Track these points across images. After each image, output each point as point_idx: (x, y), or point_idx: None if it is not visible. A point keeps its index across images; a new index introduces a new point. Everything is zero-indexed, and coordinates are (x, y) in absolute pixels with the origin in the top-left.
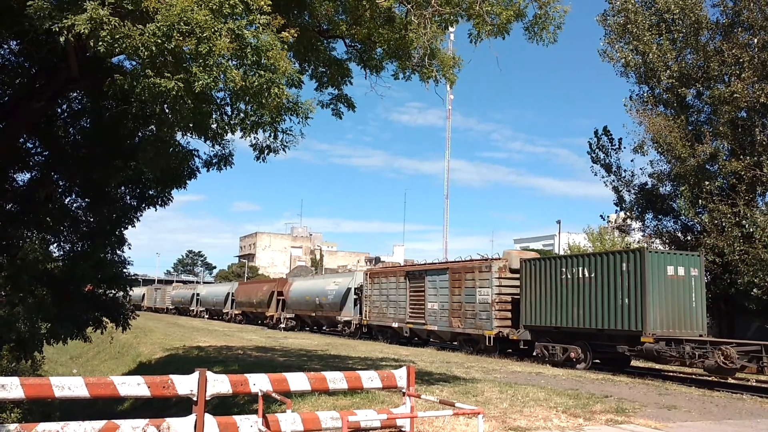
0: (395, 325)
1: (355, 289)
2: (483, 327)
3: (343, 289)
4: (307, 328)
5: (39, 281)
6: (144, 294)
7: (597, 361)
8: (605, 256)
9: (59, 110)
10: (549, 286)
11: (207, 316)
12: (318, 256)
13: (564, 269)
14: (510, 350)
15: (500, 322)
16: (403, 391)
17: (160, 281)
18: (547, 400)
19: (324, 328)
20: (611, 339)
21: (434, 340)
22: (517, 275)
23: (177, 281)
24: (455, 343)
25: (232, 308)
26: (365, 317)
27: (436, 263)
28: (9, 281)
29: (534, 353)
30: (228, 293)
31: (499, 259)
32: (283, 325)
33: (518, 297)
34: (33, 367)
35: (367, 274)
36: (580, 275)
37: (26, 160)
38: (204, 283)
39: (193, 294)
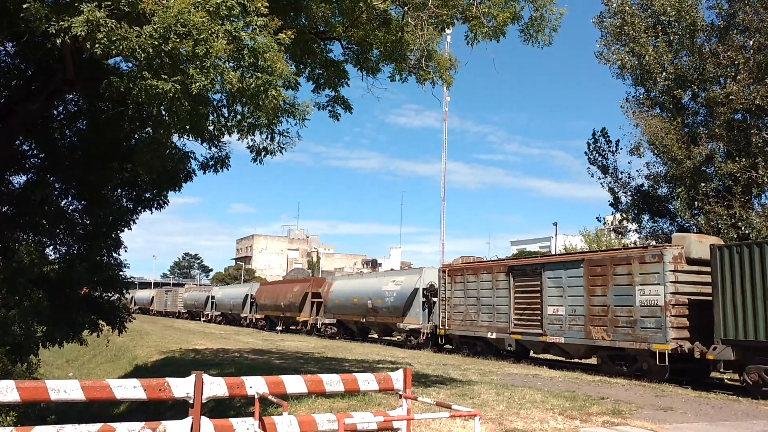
0: (491, 335)
1: (424, 289)
2: (649, 339)
3: (407, 289)
4: (348, 335)
5: (35, 284)
6: (153, 297)
7: None
8: None
9: (55, 112)
10: None
11: (222, 321)
12: (315, 259)
13: None
14: (682, 375)
15: (677, 332)
16: (400, 393)
17: (165, 283)
18: (543, 402)
19: (373, 335)
20: None
21: (556, 356)
22: (700, 268)
23: (205, 282)
24: (594, 360)
25: (252, 312)
26: (442, 325)
27: (562, 254)
28: (4, 284)
29: (744, 380)
30: (247, 295)
31: (672, 246)
32: (318, 332)
33: (701, 299)
34: (29, 371)
35: (445, 272)
36: None
37: (22, 163)
38: (218, 284)
39: (208, 296)
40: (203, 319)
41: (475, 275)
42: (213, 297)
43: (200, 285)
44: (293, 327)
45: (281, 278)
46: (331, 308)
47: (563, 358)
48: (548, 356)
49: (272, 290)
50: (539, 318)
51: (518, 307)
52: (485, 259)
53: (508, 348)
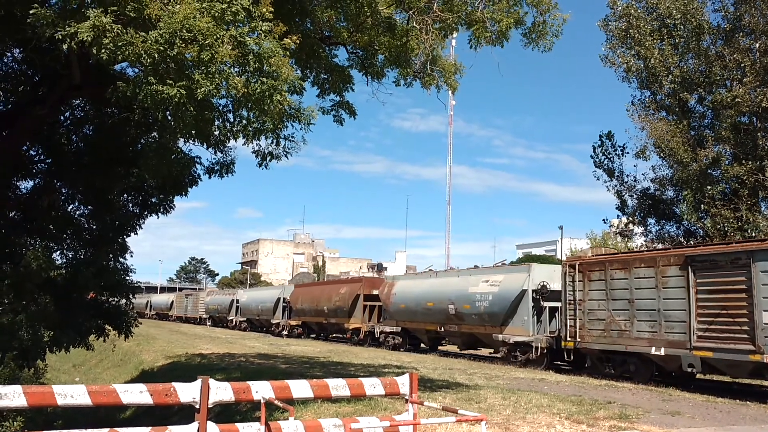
0: (656, 351)
1: (533, 291)
2: None
3: (509, 291)
4: (413, 346)
5: (42, 289)
6: (172, 301)
7: None
8: None
9: (62, 118)
10: None
11: (248, 328)
12: (320, 263)
13: None
14: None
15: None
16: (406, 398)
17: (172, 288)
18: (550, 406)
19: (441, 344)
20: None
21: None
22: None
23: (211, 287)
24: None
25: (285, 317)
26: (570, 336)
27: None
28: (12, 289)
29: None
30: (279, 299)
31: None
32: (376, 341)
33: None
34: (35, 375)
35: (573, 267)
36: None
37: (29, 168)
38: (247, 287)
39: (232, 301)
40: (228, 325)
41: (624, 270)
42: (238, 301)
43: (231, 288)
44: (338, 335)
45: (286, 282)
46: (393, 314)
47: None
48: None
49: (312, 292)
50: (746, 329)
51: (704, 313)
52: (619, 251)
53: (688, 369)
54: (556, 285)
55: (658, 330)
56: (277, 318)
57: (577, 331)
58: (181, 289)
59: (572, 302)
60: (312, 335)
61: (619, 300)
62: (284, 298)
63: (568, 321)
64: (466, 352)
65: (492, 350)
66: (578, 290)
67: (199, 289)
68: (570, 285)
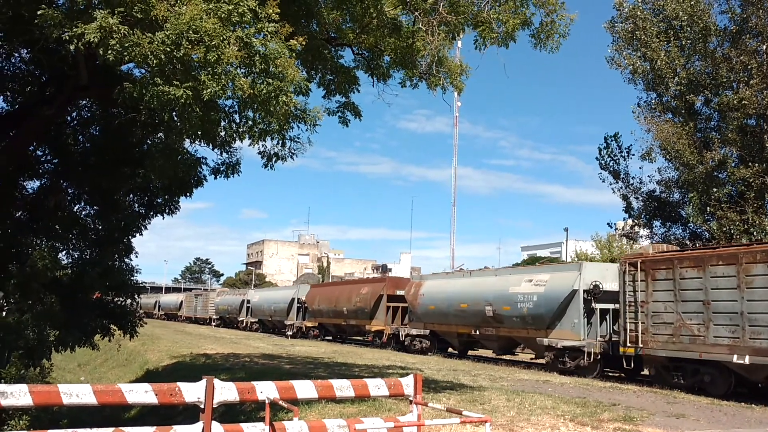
0: (739, 359)
1: (585, 291)
2: None
3: (558, 291)
4: (440, 349)
5: (47, 289)
6: (182, 301)
7: None
8: None
9: (69, 118)
10: None
11: (260, 329)
12: (325, 264)
13: None
14: None
15: None
16: (410, 399)
17: (177, 288)
18: (554, 408)
19: (473, 348)
20: None
21: None
22: None
23: (216, 287)
24: None
25: (300, 319)
26: (631, 342)
27: None
28: (18, 289)
29: None
30: (293, 299)
31: None
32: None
33: None
34: (41, 375)
35: (633, 265)
36: None
37: (36, 168)
38: (255, 287)
39: (243, 301)
40: (238, 326)
41: (697, 268)
42: (248, 301)
43: (237, 288)
44: (358, 338)
45: (291, 283)
46: (421, 316)
47: None
48: None
49: (330, 293)
50: None
51: None
52: (689, 248)
53: None
54: (608, 285)
55: (741, 336)
56: (291, 319)
57: (639, 336)
58: (189, 289)
59: (632, 304)
60: (328, 337)
61: (690, 302)
62: (299, 299)
63: (628, 325)
64: (503, 357)
65: (533, 356)
66: (640, 291)
67: (210, 289)
68: (630, 285)
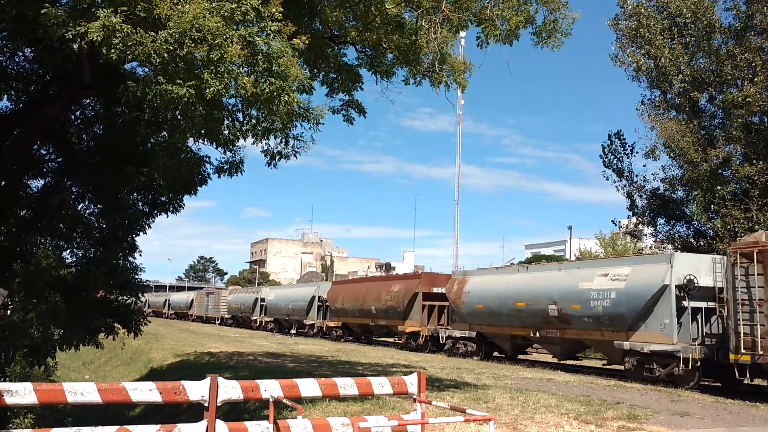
0: None
1: (677, 287)
2: None
3: (643, 287)
4: (486, 353)
5: (52, 287)
6: (192, 300)
7: None
8: None
9: (72, 117)
10: None
11: (276, 329)
12: (328, 262)
13: None
14: None
15: None
16: (414, 397)
17: (181, 287)
18: (558, 406)
19: (525, 353)
20: None
21: None
22: None
23: (220, 285)
24: None
25: (321, 318)
26: (746, 347)
27: None
28: (23, 287)
29: None
30: (313, 297)
31: None
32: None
33: None
34: (46, 373)
35: (745, 255)
36: None
37: (40, 167)
38: (259, 284)
39: (256, 299)
40: (252, 326)
41: None
42: (263, 300)
43: (250, 287)
44: (387, 339)
45: (294, 281)
46: (466, 316)
47: None
48: None
49: (355, 290)
50: None
51: None
52: None
53: None
54: (702, 280)
55: None
56: (312, 318)
57: (758, 341)
58: (199, 288)
59: (746, 302)
60: (351, 338)
61: None
62: (320, 297)
63: (741, 327)
64: (565, 362)
65: (605, 362)
66: (756, 286)
67: (222, 287)
68: (742, 280)
